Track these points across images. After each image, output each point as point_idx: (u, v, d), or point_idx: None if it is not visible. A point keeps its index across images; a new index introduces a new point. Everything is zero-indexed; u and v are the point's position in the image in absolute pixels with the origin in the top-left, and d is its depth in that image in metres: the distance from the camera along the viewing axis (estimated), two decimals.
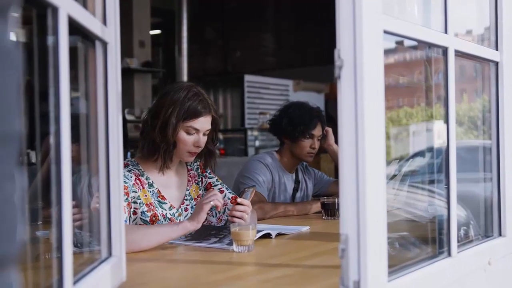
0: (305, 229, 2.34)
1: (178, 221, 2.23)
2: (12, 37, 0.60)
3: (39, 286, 1.17)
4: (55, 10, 0.99)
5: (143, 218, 2.15)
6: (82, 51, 1.33)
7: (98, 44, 1.34)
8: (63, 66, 1.01)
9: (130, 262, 1.50)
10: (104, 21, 1.35)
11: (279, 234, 2.18)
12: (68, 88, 1.03)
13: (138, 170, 2.21)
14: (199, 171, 2.42)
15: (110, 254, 1.37)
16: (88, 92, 1.38)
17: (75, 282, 1.09)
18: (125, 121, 5.58)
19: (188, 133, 2.19)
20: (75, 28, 1.11)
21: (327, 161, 6.95)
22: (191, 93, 2.20)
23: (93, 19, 1.24)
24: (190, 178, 2.38)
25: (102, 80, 1.36)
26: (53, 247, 1.29)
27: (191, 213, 2.29)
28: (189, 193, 2.35)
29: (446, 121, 1.52)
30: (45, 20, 1.01)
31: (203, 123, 2.21)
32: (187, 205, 2.33)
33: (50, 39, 1.02)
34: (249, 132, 7.68)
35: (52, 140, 1.01)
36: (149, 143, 2.20)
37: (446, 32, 1.51)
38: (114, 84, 1.38)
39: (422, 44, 1.59)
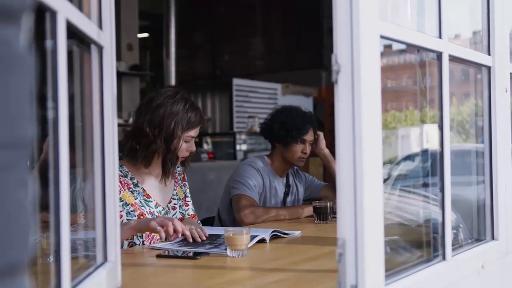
0: (297, 233, 2.34)
1: None
2: (25, 42, 0.59)
3: None
4: (53, 14, 0.98)
5: (130, 218, 2.18)
6: (77, 55, 1.32)
7: (93, 48, 1.33)
8: (61, 69, 1.00)
9: (125, 267, 1.49)
10: (100, 25, 1.34)
11: (274, 237, 2.19)
12: (66, 92, 1.02)
13: (121, 171, 2.24)
14: (181, 176, 2.51)
15: (105, 259, 1.36)
16: (83, 95, 1.37)
17: None
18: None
19: (186, 141, 2.30)
20: (71, 32, 1.11)
21: (315, 164, 6.97)
22: (189, 104, 2.30)
23: (90, 23, 1.24)
24: (176, 180, 2.46)
25: (97, 84, 1.35)
26: (47, 252, 1.28)
27: (179, 211, 2.40)
28: (176, 193, 2.43)
29: (441, 126, 1.53)
30: (43, 23, 1.01)
31: (198, 130, 2.34)
32: (174, 204, 2.40)
33: (48, 43, 1.01)
34: (237, 136, 7.66)
35: (50, 143, 1.01)
36: (151, 153, 2.26)
37: (440, 37, 1.52)
38: (110, 88, 1.37)
39: (411, 48, 1.60)
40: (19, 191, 0.57)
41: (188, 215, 2.41)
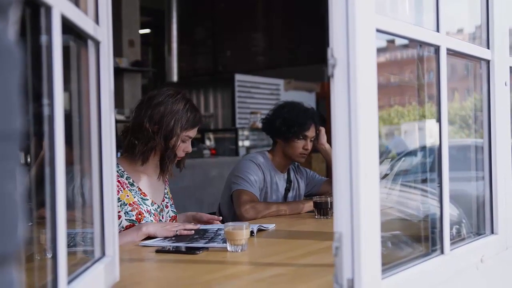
0: (271, 226, 2.37)
1: (161, 216, 2.37)
2: (13, 36, 0.60)
3: (33, 287, 1.16)
4: (48, 9, 0.99)
5: (128, 218, 2.21)
6: (74, 50, 1.32)
7: (90, 43, 1.33)
8: (56, 65, 1.01)
9: (123, 262, 1.50)
10: (97, 20, 1.35)
11: (259, 230, 2.24)
12: (61, 88, 1.02)
13: (117, 171, 2.25)
14: (167, 177, 2.53)
15: (103, 254, 1.37)
16: (80, 91, 1.37)
17: (69, 282, 1.08)
18: (114, 121, 5.64)
19: (183, 141, 2.32)
20: (67, 27, 1.11)
21: (318, 160, 6.97)
22: (189, 105, 2.33)
23: (85, 18, 1.24)
24: (166, 180, 2.49)
25: (94, 80, 1.35)
26: (45, 247, 1.28)
27: (171, 210, 2.44)
28: (167, 192, 2.47)
29: (438, 120, 1.52)
30: (38, 18, 1.01)
31: (196, 131, 2.37)
32: (166, 202, 2.45)
33: (43, 38, 1.01)
34: (240, 132, 7.66)
35: (45, 140, 1.01)
36: (149, 150, 2.27)
37: (438, 30, 1.51)
38: (107, 84, 1.37)
39: (414, 43, 1.60)
40: (8, 183, 0.57)
41: (169, 217, 2.43)
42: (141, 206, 2.26)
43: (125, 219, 2.21)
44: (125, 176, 2.29)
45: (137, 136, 2.27)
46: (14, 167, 0.59)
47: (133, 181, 2.30)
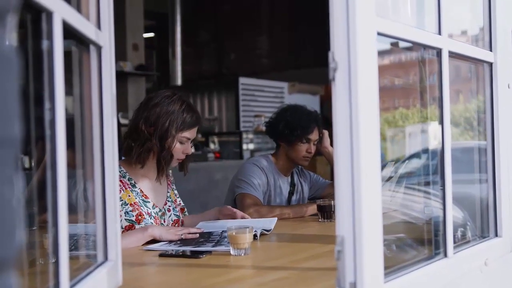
0: (273, 222, 2.39)
1: (162, 220, 2.36)
2: (11, 42, 0.60)
3: None
4: (49, 14, 0.99)
5: (128, 218, 2.21)
6: (76, 55, 1.33)
7: (92, 48, 1.34)
8: (57, 70, 1.01)
9: (126, 266, 1.50)
10: (98, 25, 1.35)
11: (262, 234, 2.23)
12: (63, 93, 1.03)
13: (120, 172, 2.25)
14: (172, 179, 2.55)
15: (106, 258, 1.37)
16: (83, 96, 1.37)
17: (71, 287, 1.09)
18: (119, 125, 5.63)
19: (181, 142, 2.31)
20: (69, 32, 1.11)
21: (322, 163, 6.96)
22: (185, 105, 2.32)
23: (87, 23, 1.24)
24: (169, 182, 2.50)
25: (96, 84, 1.36)
26: (48, 252, 1.29)
27: (174, 214, 2.44)
28: (169, 196, 2.46)
29: (441, 122, 1.52)
30: (39, 24, 1.01)
31: (195, 132, 2.36)
32: (169, 206, 2.44)
33: (44, 43, 1.01)
34: (244, 135, 7.65)
35: (47, 145, 1.01)
36: (145, 151, 2.27)
37: (439, 33, 1.51)
38: (109, 88, 1.38)
39: (417, 46, 1.60)
40: (5, 189, 0.58)
41: (172, 220, 2.43)
42: (141, 207, 2.27)
43: (125, 219, 2.22)
44: (127, 177, 2.30)
45: (134, 138, 2.28)
46: (13, 172, 0.59)
47: (135, 182, 2.31)
